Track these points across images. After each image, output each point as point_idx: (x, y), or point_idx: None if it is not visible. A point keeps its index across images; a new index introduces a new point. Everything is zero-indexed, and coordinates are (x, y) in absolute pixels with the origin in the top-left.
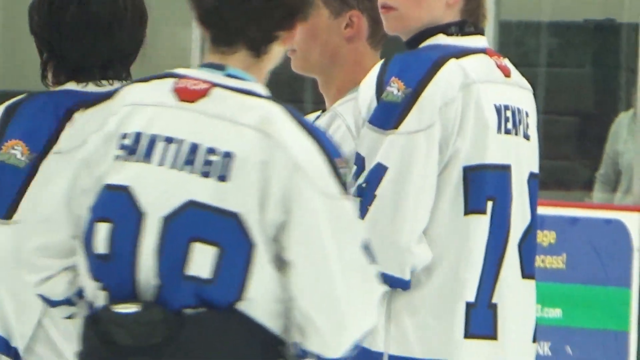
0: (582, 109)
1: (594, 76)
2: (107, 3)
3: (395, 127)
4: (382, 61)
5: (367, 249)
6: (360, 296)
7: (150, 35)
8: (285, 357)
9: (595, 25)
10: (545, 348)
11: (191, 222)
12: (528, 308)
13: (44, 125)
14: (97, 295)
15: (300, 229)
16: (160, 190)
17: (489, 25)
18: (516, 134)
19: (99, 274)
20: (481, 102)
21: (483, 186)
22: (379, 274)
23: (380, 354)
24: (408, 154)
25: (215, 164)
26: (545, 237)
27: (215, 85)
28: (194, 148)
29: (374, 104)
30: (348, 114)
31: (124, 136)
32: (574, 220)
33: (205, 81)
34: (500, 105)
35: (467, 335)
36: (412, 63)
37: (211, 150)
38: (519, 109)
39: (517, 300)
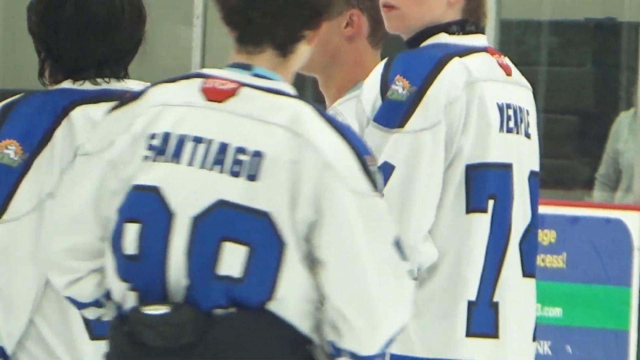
0: (583, 108)
1: (594, 75)
2: (104, 2)
3: (401, 125)
4: (385, 60)
5: (398, 245)
6: (393, 293)
7: (150, 34)
8: (313, 358)
9: (596, 24)
10: (545, 347)
11: (221, 222)
12: (528, 307)
13: (39, 125)
14: (125, 296)
15: (332, 227)
16: (189, 190)
17: (490, 24)
18: (517, 132)
19: (128, 274)
20: (484, 101)
21: (485, 185)
22: (411, 270)
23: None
24: (414, 152)
25: (245, 164)
26: (546, 236)
27: (243, 85)
28: (223, 148)
29: (379, 102)
30: (349, 113)
31: (152, 136)
32: (574, 220)
33: (233, 81)
34: (502, 104)
35: (469, 334)
36: (417, 61)
37: (241, 150)
38: (520, 108)
39: (518, 299)
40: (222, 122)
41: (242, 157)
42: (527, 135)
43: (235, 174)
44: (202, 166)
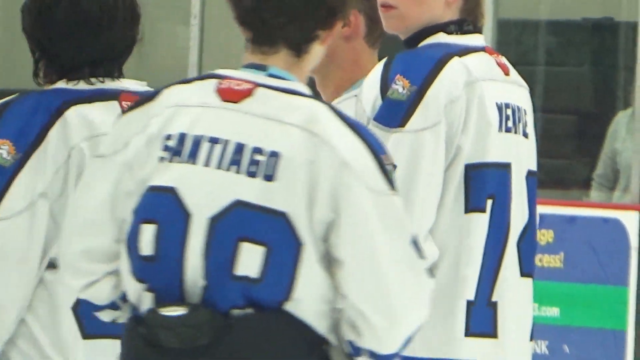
0: (581, 107)
1: (592, 75)
2: (97, 1)
3: (402, 125)
4: (384, 60)
5: (415, 243)
6: (412, 291)
7: (148, 33)
8: (329, 358)
9: (594, 24)
10: (542, 347)
11: (238, 222)
12: (526, 306)
13: (33, 125)
14: (142, 297)
15: (350, 226)
16: (206, 191)
17: (488, 24)
18: (516, 132)
19: (144, 275)
20: (484, 100)
21: (484, 184)
22: (428, 268)
23: None
24: (415, 152)
25: (262, 164)
26: (543, 236)
27: (258, 85)
28: (239, 148)
29: (379, 102)
30: (346, 112)
31: (168, 137)
32: (572, 219)
33: (248, 81)
34: (501, 104)
35: (468, 333)
36: (416, 61)
37: (257, 150)
38: (518, 107)
39: (516, 298)
40: (238, 123)
41: (258, 157)
42: (525, 135)
43: (251, 175)
44: (219, 167)
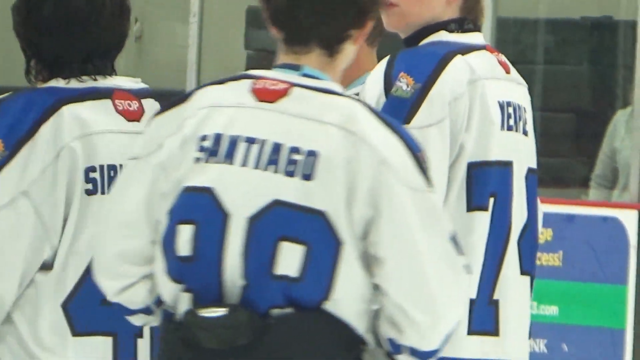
0: (580, 106)
1: (591, 74)
2: None
3: (407, 122)
4: (387, 57)
5: (454, 240)
6: (452, 287)
7: (148, 31)
8: (362, 358)
9: (593, 23)
10: (541, 345)
11: (278, 222)
12: (525, 304)
13: (24, 123)
14: (179, 298)
15: (390, 223)
16: (244, 191)
17: (487, 22)
18: (516, 130)
19: (181, 276)
20: (486, 99)
21: (487, 183)
22: (467, 265)
23: None
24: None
25: (300, 163)
26: (542, 235)
27: (294, 85)
28: (277, 148)
29: (382, 99)
30: None
31: (204, 138)
32: (571, 218)
33: (283, 81)
34: (503, 102)
35: (470, 332)
36: (420, 59)
37: (295, 150)
38: (519, 105)
39: (517, 297)
40: (275, 122)
41: (296, 156)
42: (525, 133)
43: (290, 174)
44: (256, 166)
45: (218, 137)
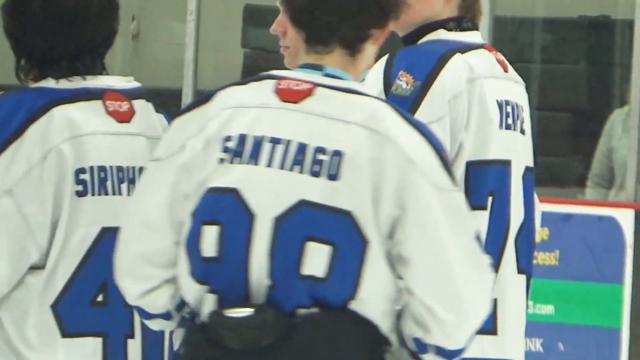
0: (577, 105)
1: (588, 73)
2: None
3: None
4: (386, 56)
5: (479, 239)
6: (477, 286)
7: (145, 29)
8: (385, 359)
9: (590, 22)
10: (537, 344)
11: (304, 222)
12: (521, 303)
13: (13, 122)
14: (203, 298)
15: (416, 222)
16: (270, 191)
17: (484, 21)
18: (514, 129)
19: (206, 277)
20: (485, 98)
21: (485, 181)
22: (491, 263)
23: None
24: None
25: (325, 163)
26: (538, 234)
27: (317, 85)
28: (302, 148)
29: (382, 97)
30: None
31: (228, 139)
32: (567, 217)
33: (306, 81)
34: (501, 101)
35: None
36: (419, 57)
37: (320, 150)
38: (517, 104)
39: (514, 295)
40: (300, 123)
41: (321, 156)
42: (522, 132)
43: (315, 174)
44: (282, 167)
45: (242, 138)
